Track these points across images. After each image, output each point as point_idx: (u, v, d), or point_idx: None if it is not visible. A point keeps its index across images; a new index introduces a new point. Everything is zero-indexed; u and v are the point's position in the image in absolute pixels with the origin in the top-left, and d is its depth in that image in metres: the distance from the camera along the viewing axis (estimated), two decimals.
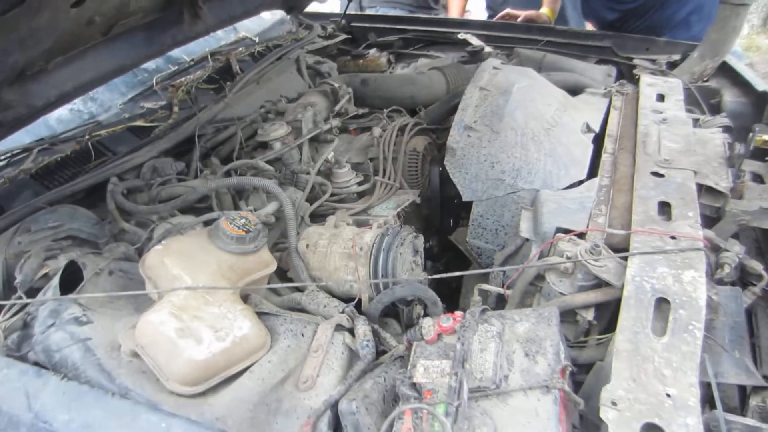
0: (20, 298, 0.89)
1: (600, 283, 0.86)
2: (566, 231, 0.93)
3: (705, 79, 1.65)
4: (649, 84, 1.46)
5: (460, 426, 0.67)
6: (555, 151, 1.10)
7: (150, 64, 1.58)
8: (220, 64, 1.72)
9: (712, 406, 0.73)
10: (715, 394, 0.70)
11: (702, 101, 1.55)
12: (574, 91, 1.54)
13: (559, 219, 0.96)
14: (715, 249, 0.99)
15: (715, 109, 1.54)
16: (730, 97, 1.53)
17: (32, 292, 0.91)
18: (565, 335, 0.80)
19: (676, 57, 1.75)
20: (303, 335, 0.85)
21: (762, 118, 1.37)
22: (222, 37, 1.94)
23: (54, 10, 0.94)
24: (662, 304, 0.77)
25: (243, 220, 0.94)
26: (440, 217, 1.29)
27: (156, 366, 0.76)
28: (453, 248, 1.30)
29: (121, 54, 1.31)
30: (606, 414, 0.66)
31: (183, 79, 1.60)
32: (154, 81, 1.58)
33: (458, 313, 0.82)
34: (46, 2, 0.89)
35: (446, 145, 1.13)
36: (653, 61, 1.77)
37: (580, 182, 1.07)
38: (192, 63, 1.71)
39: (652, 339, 0.74)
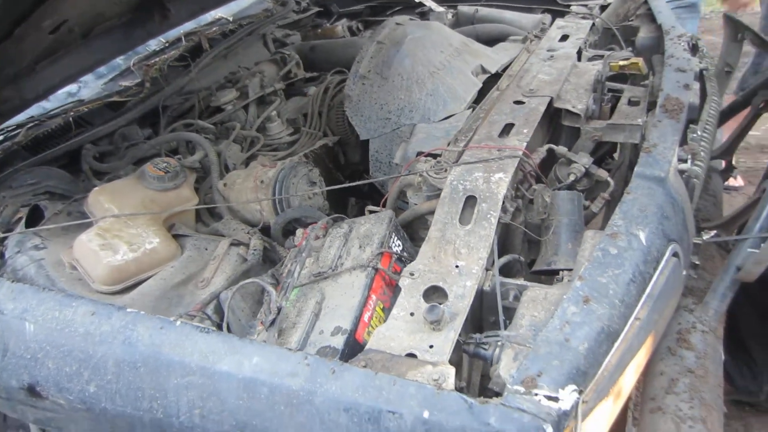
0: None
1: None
2: (426, 155, 1.10)
3: (630, 18, 1.73)
4: (559, 26, 1.58)
5: (294, 298, 0.88)
6: (437, 91, 1.26)
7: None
8: (193, 43, 1.95)
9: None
10: (496, 262, 0.86)
11: (621, 39, 1.65)
12: (499, 39, 1.68)
13: (425, 145, 1.13)
14: (568, 162, 1.14)
15: (632, 45, 1.64)
16: (643, 33, 1.62)
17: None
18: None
19: (610, 1, 1.84)
20: (206, 249, 1.08)
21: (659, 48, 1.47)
22: (200, 19, 2.17)
23: (35, 38, 1.19)
24: (471, 200, 0.94)
25: (165, 164, 1.17)
26: (362, 158, 1.47)
27: (85, 272, 1.01)
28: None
29: (100, 51, 1.56)
30: (402, 282, 0.85)
31: (157, 58, 1.85)
32: (131, 62, 1.83)
33: (320, 222, 1.02)
34: (27, 33, 1.13)
35: (344, 92, 1.32)
36: (587, 6, 1.86)
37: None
38: (167, 44, 1.95)
39: (457, 227, 0.91)
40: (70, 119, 1.56)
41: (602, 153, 1.35)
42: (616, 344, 0.73)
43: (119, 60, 1.85)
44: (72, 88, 1.71)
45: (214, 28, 2.09)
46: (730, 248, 1.05)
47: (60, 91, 1.67)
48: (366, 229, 0.97)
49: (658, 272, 0.82)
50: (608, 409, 0.74)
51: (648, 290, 0.80)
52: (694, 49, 1.33)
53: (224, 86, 1.70)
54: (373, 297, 0.87)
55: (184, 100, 1.72)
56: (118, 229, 1.04)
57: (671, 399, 0.88)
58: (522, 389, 0.64)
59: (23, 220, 1.14)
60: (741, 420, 1.50)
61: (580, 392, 0.66)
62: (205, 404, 0.72)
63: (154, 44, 1.97)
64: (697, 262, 1.00)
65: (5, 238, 1.13)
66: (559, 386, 0.65)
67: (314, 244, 1.00)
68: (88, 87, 1.74)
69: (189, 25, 2.07)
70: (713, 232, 1.01)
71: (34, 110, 1.61)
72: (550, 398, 0.64)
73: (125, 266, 0.99)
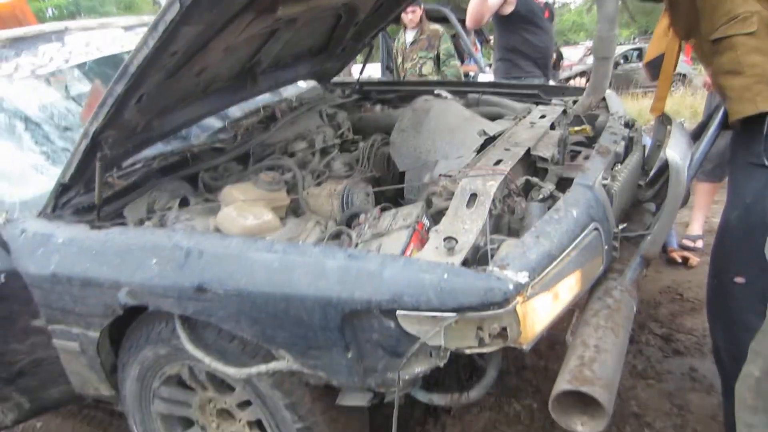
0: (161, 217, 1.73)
1: None
2: (445, 176, 1.70)
3: (592, 109, 2.40)
4: (540, 110, 2.24)
5: (361, 249, 1.44)
6: (453, 142, 1.89)
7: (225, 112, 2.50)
8: (268, 113, 2.63)
9: None
10: (487, 224, 1.41)
11: (584, 119, 2.31)
12: (497, 117, 2.34)
13: (444, 170, 1.73)
14: (539, 187, 1.72)
15: (594, 124, 2.29)
16: (602, 118, 2.28)
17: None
18: None
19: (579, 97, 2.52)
20: (299, 226, 1.65)
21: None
22: (270, 97, 2.87)
23: (186, 80, 1.83)
24: (473, 196, 1.50)
25: (271, 175, 1.77)
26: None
27: (225, 232, 1.57)
28: None
29: (211, 104, 2.22)
30: (431, 233, 1.40)
31: (244, 121, 2.51)
32: (227, 123, 2.49)
33: (376, 208, 1.60)
34: (184, 74, 1.75)
35: (390, 140, 1.95)
36: (563, 101, 2.54)
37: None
38: (249, 113, 2.63)
39: (464, 209, 1.47)
40: (188, 156, 2.19)
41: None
42: (554, 263, 1.28)
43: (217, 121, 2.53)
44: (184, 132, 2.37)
45: (283, 104, 2.79)
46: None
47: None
48: (407, 211, 1.54)
49: (583, 234, 1.38)
50: (548, 301, 1.26)
51: (576, 242, 1.35)
52: (628, 125, 1.98)
53: (296, 140, 2.35)
54: (411, 245, 1.43)
55: (263, 149, 2.37)
56: (246, 208, 1.62)
57: (594, 319, 1.40)
58: (498, 268, 1.19)
59: (177, 204, 1.72)
60: None
61: (531, 278, 1.20)
62: (316, 281, 1.26)
63: (239, 112, 2.65)
64: (616, 245, 1.55)
65: (164, 214, 1.71)
66: (518, 271, 1.19)
67: (372, 222, 1.57)
68: (197, 136, 2.39)
69: (265, 100, 2.79)
70: (624, 225, 1.57)
71: (156, 149, 2.25)
72: (513, 275, 1.18)
73: (252, 228, 1.56)
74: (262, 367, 1.40)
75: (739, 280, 1.68)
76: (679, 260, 3.16)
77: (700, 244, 3.24)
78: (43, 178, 1.87)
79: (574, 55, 14.58)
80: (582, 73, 10.73)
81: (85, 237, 1.58)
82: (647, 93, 9.06)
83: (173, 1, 1.24)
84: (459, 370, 1.99)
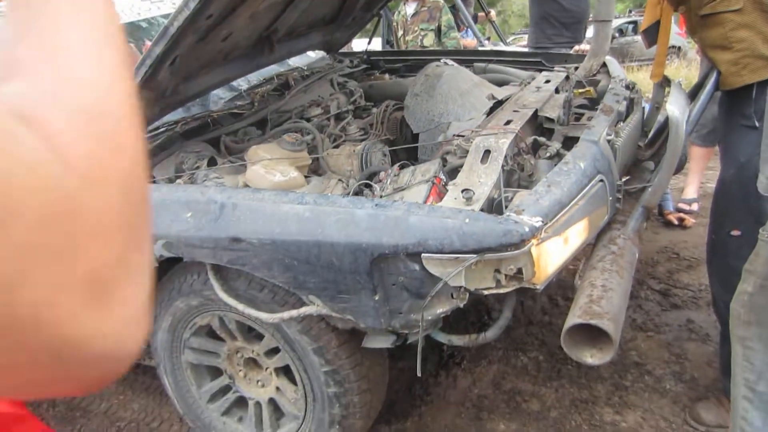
0: (191, 176, 1.83)
1: None
2: (458, 135, 1.80)
3: (593, 73, 2.49)
4: (545, 75, 2.33)
5: (387, 199, 1.54)
6: (464, 105, 1.98)
7: (243, 80, 2.58)
8: (282, 80, 2.71)
9: None
10: (501, 177, 1.52)
11: (585, 83, 2.40)
12: (503, 83, 2.43)
13: (457, 131, 1.83)
14: (546, 146, 1.82)
15: (596, 88, 2.38)
16: (603, 82, 2.37)
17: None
18: None
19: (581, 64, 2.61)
20: (323, 183, 1.75)
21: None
22: (278, 68, 2.95)
23: (213, 45, 1.91)
24: (487, 153, 1.61)
25: (295, 135, 1.86)
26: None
27: (255, 187, 1.67)
28: None
29: (231, 71, 2.30)
30: (449, 186, 1.51)
31: (260, 89, 2.59)
32: (243, 90, 2.57)
33: (396, 165, 1.70)
34: (211, 39, 1.84)
35: (404, 104, 2.04)
36: (566, 67, 2.63)
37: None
38: (264, 80, 2.71)
39: (479, 165, 1.57)
40: (209, 120, 2.28)
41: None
42: (564, 210, 1.39)
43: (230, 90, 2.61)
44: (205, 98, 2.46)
45: (295, 73, 2.86)
46: None
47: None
48: (425, 168, 1.64)
49: (590, 185, 1.49)
50: (559, 244, 1.38)
51: (584, 191, 1.46)
52: (629, 87, 2.07)
53: (311, 106, 2.44)
54: (431, 198, 1.53)
55: (279, 116, 2.45)
56: (272, 166, 1.72)
57: (600, 263, 1.52)
58: (514, 213, 1.30)
59: (205, 164, 1.82)
60: None
61: (544, 223, 1.31)
62: (346, 228, 1.37)
63: (255, 80, 2.73)
64: (620, 197, 1.66)
65: (194, 173, 1.81)
66: (533, 216, 1.30)
67: (393, 178, 1.67)
68: (216, 102, 2.48)
69: (278, 69, 2.86)
70: (627, 178, 1.68)
71: (178, 114, 2.34)
72: (528, 219, 1.29)
73: (279, 184, 1.66)
74: (294, 312, 1.52)
75: (736, 232, 1.80)
76: (676, 222, 3.28)
77: (695, 206, 3.36)
78: None
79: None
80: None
81: None
82: (642, 66, 9.14)
83: None
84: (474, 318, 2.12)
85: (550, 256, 1.35)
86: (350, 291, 1.42)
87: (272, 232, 1.44)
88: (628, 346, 2.36)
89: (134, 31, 2.61)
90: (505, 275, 1.32)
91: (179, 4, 1.40)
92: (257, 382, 1.87)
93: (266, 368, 1.82)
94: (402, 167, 1.72)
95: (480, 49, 4.13)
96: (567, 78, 2.34)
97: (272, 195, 1.50)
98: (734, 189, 1.79)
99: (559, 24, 3.61)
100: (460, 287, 1.34)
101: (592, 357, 1.35)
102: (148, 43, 2.32)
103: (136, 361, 2.24)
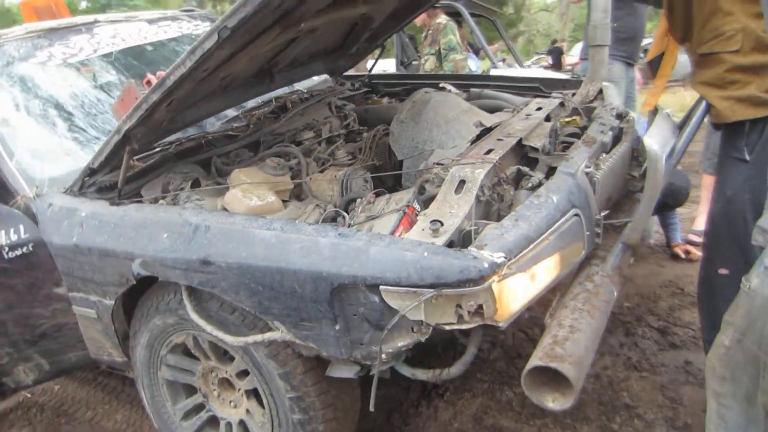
0: (174, 197, 1.85)
1: None
2: (438, 164, 1.78)
3: (590, 99, 2.45)
4: (537, 102, 2.31)
5: (352, 229, 1.53)
6: (449, 132, 1.98)
7: None
8: (280, 104, 2.74)
9: None
10: (473, 209, 1.50)
11: (584, 115, 2.37)
12: (496, 110, 2.42)
13: (439, 159, 1.82)
14: (529, 176, 1.79)
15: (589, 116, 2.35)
16: (598, 109, 2.33)
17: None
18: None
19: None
20: (300, 208, 1.76)
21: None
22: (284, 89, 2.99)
23: (212, 82, 1.93)
24: (462, 183, 1.59)
25: (277, 160, 1.88)
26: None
27: (231, 211, 1.68)
28: None
29: (230, 100, 2.33)
30: (419, 216, 1.49)
31: (257, 111, 2.63)
32: (240, 112, 2.61)
33: (370, 193, 1.69)
34: (209, 78, 1.84)
35: (389, 130, 2.04)
36: (563, 93, 2.60)
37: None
38: (262, 104, 2.75)
39: (453, 195, 1.54)
40: (203, 142, 2.31)
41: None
42: (531, 246, 1.36)
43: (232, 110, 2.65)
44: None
45: (294, 96, 2.89)
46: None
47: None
48: (399, 196, 1.64)
49: (563, 219, 1.46)
50: (525, 281, 1.35)
51: (555, 226, 1.43)
52: (620, 116, 2.04)
53: (304, 129, 2.46)
54: (401, 227, 1.52)
55: (273, 138, 2.48)
56: (251, 190, 1.73)
57: (572, 302, 1.48)
58: (475, 248, 1.28)
59: (189, 186, 1.84)
60: None
61: (507, 258, 1.28)
62: (309, 256, 1.36)
63: (252, 103, 2.77)
64: (599, 231, 1.62)
65: (177, 194, 1.83)
66: (495, 251, 1.28)
67: (366, 206, 1.67)
68: (212, 124, 2.52)
69: (278, 92, 2.90)
70: (606, 212, 1.64)
71: (174, 136, 2.37)
72: (489, 255, 1.27)
73: (255, 208, 1.67)
74: (258, 337, 1.51)
75: (723, 271, 1.74)
76: (683, 255, 3.19)
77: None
78: (69, 157, 2.02)
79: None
80: None
81: (105, 212, 1.72)
82: (672, 86, 8.93)
83: (212, 33, 1.38)
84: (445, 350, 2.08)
85: (514, 293, 1.32)
86: (312, 319, 1.41)
87: (240, 256, 1.45)
88: (619, 386, 2.28)
89: (141, 54, 2.68)
90: (467, 311, 1.30)
91: (177, 61, 1.44)
92: (230, 402, 1.86)
93: (238, 389, 1.82)
94: (378, 194, 1.71)
95: (491, 72, 4.11)
96: (562, 105, 2.32)
97: (243, 219, 1.51)
98: (721, 224, 1.73)
99: (613, 39, 3.53)
100: (421, 321, 1.32)
101: (553, 401, 1.31)
102: (150, 76, 2.38)
103: (123, 373, 2.28)
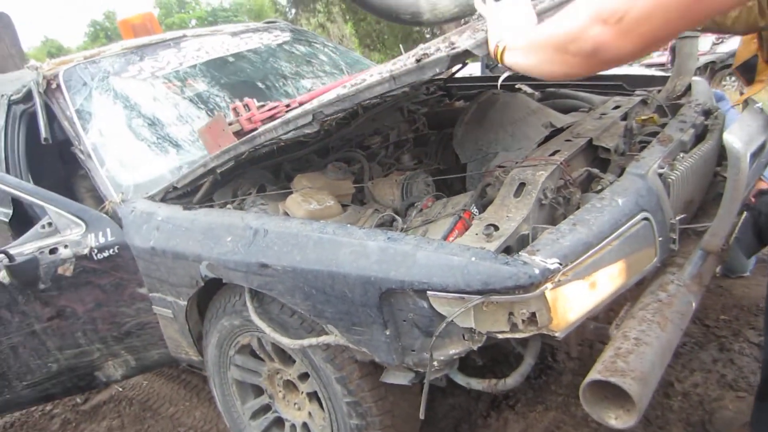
0: (241, 201, 1.93)
1: None
2: (500, 166, 1.72)
3: (677, 95, 2.26)
4: (615, 100, 2.16)
5: (401, 233, 1.51)
6: (515, 134, 1.90)
7: None
8: (352, 109, 2.77)
9: None
10: (531, 214, 1.43)
11: (669, 113, 2.19)
12: (570, 109, 2.30)
13: (503, 161, 1.76)
14: (599, 178, 1.68)
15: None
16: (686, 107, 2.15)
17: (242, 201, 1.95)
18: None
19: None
20: (359, 212, 1.76)
21: None
22: None
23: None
24: (522, 185, 1.51)
25: (339, 165, 1.90)
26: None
27: (292, 215, 1.72)
28: None
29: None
30: (475, 221, 1.44)
31: (328, 117, 2.67)
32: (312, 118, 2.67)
33: (428, 197, 1.66)
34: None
35: (453, 132, 2.00)
36: (648, 90, 2.42)
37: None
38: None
39: (512, 198, 1.48)
40: (275, 148, 2.39)
41: None
42: (591, 251, 1.27)
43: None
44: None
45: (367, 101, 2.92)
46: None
47: None
48: (458, 200, 1.60)
49: (629, 224, 1.35)
50: (582, 288, 1.25)
51: (620, 231, 1.33)
52: (707, 113, 1.86)
53: (373, 134, 2.47)
54: (456, 232, 1.48)
55: (343, 143, 2.51)
56: (311, 194, 1.76)
57: (641, 312, 1.37)
58: (527, 254, 1.21)
59: (255, 191, 1.91)
60: None
61: (562, 264, 1.21)
62: (357, 260, 1.36)
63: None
64: (674, 237, 1.49)
65: (243, 199, 1.90)
66: (548, 257, 1.21)
67: (423, 210, 1.64)
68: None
69: None
70: (683, 216, 1.49)
71: None
72: (542, 261, 1.20)
73: (314, 212, 1.70)
74: (313, 340, 1.53)
75: None
76: None
77: None
78: (153, 165, 2.17)
79: (703, 44, 13.29)
80: (709, 65, 9.72)
81: (178, 216, 1.83)
82: None
83: (307, 113, 1.66)
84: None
85: (571, 302, 1.24)
86: (363, 323, 1.41)
87: (294, 259, 1.48)
88: (711, 406, 2.08)
89: (222, 65, 2.83)
90: (521, 320, 1.23)
91: (270, 125, 1.68)
92: (294, 404, 1.90)
93: (301, 392, 1.85)
94: (437, 198, 1.68)
95: None
96: (644, 102, 2.16)
97: (298, 223, 1.54)
98: None
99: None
100: (472, 329, 1.28)
101: (616, 419, 1.21)
102: (237, 103, 2.49)
103: (201, 371, 2.40)
